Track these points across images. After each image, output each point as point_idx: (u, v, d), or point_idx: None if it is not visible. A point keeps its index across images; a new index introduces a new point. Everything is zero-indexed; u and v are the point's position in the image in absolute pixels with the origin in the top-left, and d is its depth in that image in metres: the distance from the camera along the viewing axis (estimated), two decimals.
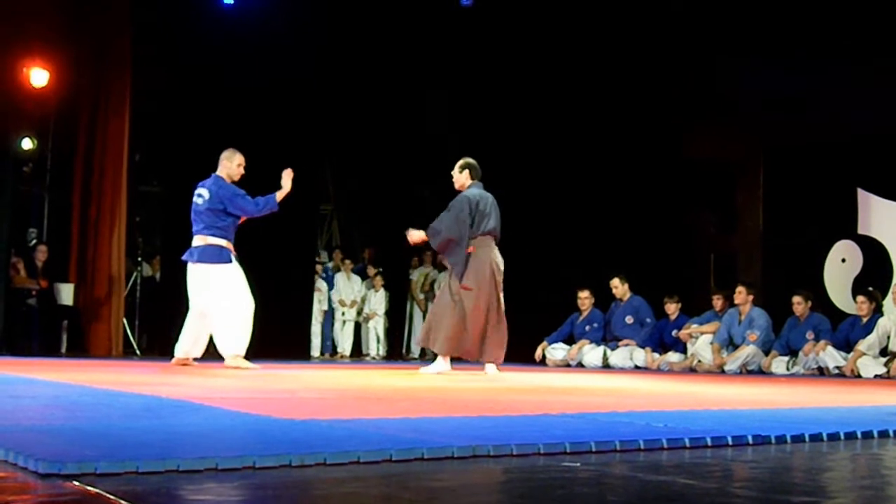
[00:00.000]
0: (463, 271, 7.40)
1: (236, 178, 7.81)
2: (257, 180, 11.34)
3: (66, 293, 11.11)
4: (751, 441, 2.79)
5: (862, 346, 9.60)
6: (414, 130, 13.48)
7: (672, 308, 11.41)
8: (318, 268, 13.62)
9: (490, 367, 7.52)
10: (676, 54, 11.90)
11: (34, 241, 11.81)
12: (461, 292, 7.38)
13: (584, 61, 12.28)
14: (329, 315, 13.76)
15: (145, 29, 11.57)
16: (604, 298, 11.70)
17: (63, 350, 11.07)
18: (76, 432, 2.58)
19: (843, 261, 11.00)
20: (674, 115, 12.27)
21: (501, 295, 7.56)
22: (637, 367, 11.09)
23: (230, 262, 7.62)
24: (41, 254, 11.10)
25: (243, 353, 7.56)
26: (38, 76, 10.90)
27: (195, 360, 7.87)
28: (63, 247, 11.46)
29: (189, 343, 7.79)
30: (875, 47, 10.39)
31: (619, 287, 11.53)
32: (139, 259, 12.24)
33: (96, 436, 2.48)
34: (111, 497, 1.70)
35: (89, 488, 1.77)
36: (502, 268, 7.57)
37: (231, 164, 7.82)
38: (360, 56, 12.57)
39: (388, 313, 14.06)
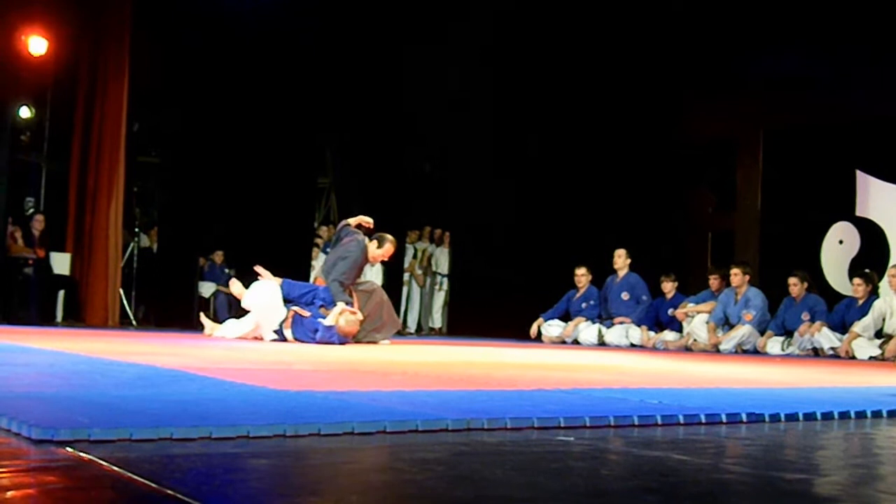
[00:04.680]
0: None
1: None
2: (255, 150, 11.33)
3: (63, 263, 11.12)
4: (745, 419, 2.79)
5: (857, 327, 9.61)
6: (415, 104, 13.42)
7: (668, 286, 11.40)
8: (320, 242, 13.50)
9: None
10: (678, 33, 11.85)
11: (31, 211, 11.80)
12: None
13: (586, 39, 12.23)
14: None
15: None
16: (601, 276, 11.69)
17: (59, 319, 11.08)
18: (70, 400, 2.58)
19: (841, 242, 11.00)
20: (674, 93, 12.24)
21: None
22: (633, 345, 11.11)
23: None
24: (38, 223, 11.08)
25: None
26: (37, 44, 10.85)
27: None
28: (60, 216, 11.44)
29: None
30: (877, 29, 10.36)
31: (621, 257, 11.46)
32: (136, 230, 12.24)
33: (90, 403, 2.48)
34: (104, 464, 1.70)
35: (82, 455, 1.77)
36: None
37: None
38: (362, 27, 12.50)
39: (383, 287, 14.00)
